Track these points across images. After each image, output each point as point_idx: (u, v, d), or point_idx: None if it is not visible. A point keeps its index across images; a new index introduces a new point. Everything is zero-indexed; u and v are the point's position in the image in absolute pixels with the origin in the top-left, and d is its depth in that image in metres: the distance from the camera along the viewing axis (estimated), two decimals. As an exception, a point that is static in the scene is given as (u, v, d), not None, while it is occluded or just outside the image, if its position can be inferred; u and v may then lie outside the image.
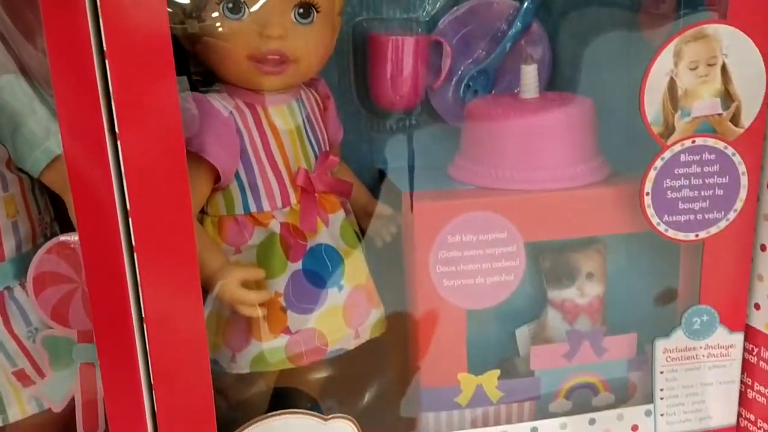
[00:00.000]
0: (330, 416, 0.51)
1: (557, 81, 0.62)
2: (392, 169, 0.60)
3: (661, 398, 0.55)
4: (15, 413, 0.51)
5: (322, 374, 0.57)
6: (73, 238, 0.48)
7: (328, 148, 0.55)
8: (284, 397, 0.56)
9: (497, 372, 0.55)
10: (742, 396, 0.57)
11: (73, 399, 0.49)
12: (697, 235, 0.53)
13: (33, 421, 0.52)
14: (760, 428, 0.56)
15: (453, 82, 0.62)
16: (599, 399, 0.57)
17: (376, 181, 0.62)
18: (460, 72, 0.62)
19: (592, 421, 0.55)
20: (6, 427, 0.52)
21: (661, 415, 0.56)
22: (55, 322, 0.49)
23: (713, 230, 0.53)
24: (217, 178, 0.49)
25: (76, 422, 0.50)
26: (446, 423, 0.54)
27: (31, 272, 0.49)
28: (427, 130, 0.63)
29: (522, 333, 0.58)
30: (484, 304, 0.53)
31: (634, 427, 0.56)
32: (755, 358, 0.55)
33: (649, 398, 0.56)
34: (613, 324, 0.57)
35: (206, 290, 0.50)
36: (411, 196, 0.54)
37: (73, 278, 0.49)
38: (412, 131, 0.63)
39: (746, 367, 0.56)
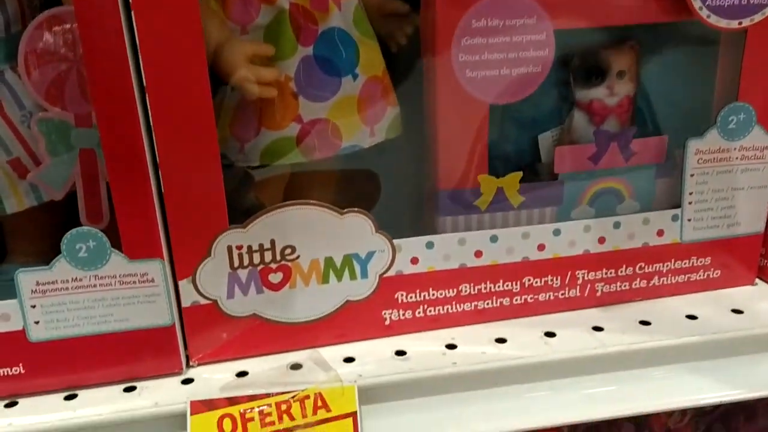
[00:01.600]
0: (346, 210, 0.49)
1: None
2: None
3: (690, 203, 0.53)
4: (12, 204, 0.48)
5: (334, 179, 0.55)
6: (65, 10, 0.44)
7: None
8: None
9: (519, 174, 0.52)
10: (773, 202, 0.55)
11: (73, 187, 0.47)
12: (740, 23, 0.49)
13: (33, 216, 0.50)
14: (789, 234, 0.54)
15: None
16: (623, 206, 0.54)
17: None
18: None
19: (616, 225, 0.53)
20: (4, 219, 0.50)
21: (689, 220, 0.54)
22: (50, 104, 0.45)
23: (758, 17, 0.49)
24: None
25: (78, 215, 0.48)
26: (464, 227, 0.52)
27: (21, 49, 0.45)
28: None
29: (545, 139, 0.55)
30: (509, 98, 0.50)
31: (660, 232, 0.54)
32: (790, 161, 0.53)
33: (674, 206, 0.54)
34: (642, 126, 0.54)
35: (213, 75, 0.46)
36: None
37: (67, 57, 0.45)
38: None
39: (780, 171, 0.54)
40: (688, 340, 0.50)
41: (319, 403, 0.47)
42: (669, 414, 0.85)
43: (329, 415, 0.47)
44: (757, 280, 0.57)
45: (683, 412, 0.86)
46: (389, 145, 0.53)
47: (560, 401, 0.50)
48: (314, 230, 0.48)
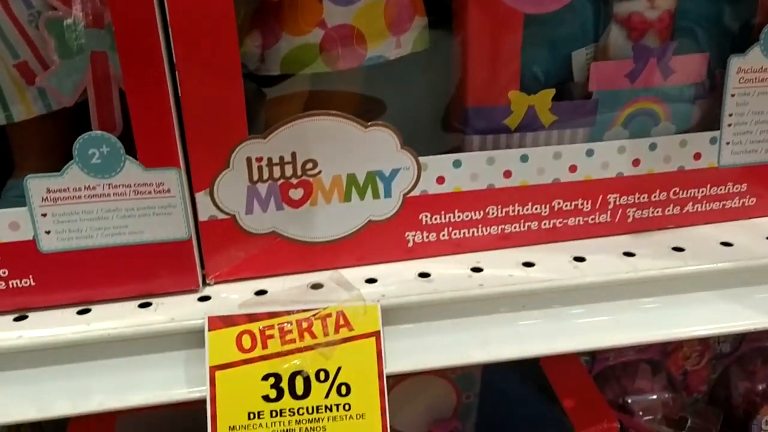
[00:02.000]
0: (371, 124, 0.46)
1: None
2: None
3: (729, 125, 0.51)
4: (19, 112, 0.46)
5: (353, 104, 0.53)
6: None
7: None
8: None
9: (552, 91, 0.49)
10: (816, 126, 0.52)
11: (84, 94, 0.45)
12: (794, -71, 0.46)
13: (41, 127, 0.47)
14: (832, 160, 0.52)
15: None
16: (659, 129, 0.52)
17: None
18: None
19: (652, 147, 0.50)
20: (12, 132, 0.48)
21: (727, 143, 0.51)
22: (60, 2, 0.43)
23: None
24: None
25: (90, 126, 0.46)
26: (492, 146, 0.50)
27: (27, -59, 0.42)
28: None
29: (579, 56, 0.52)
30: (545, 6, 0.47)
31: (696, 156, 0.51)
32: (838, 81, 0.50)
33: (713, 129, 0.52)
34: (683, 43, 0.51)
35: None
36: None
37: (77, -49, 0.43)
38: None
39: (826, 92, 0.51)
40: (724, 266, 0.48)
41: (341, 322, 0.45)
42: (686, 356, 0.84)
43: (351, 334, 0.45)
44: (792, 210, 0.55)
45: (701, 354, 0.85)
46: (416, 59, 0.50)
47: (589, 326, 0.48)
48: (337, 144, 0.46)
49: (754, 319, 0.49)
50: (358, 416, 0.45)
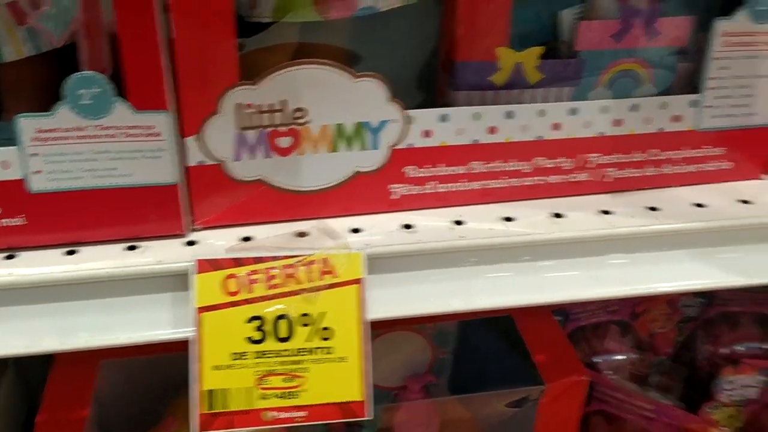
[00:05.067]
0: (361, 74, 0.47)
1: None
2: None
3: (711, 88, 0.52)
4: (10, 52, 0.45)
5: (342, 54, 0.53)
6: None
7: None
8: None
9: (540, 49, 0.50)
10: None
11: (73, 36, 0.44)
12: None
13: (31, 70, 0.47)
14: (805, 127, 0.53)
15: None
16: (642, 90, 0.53)
17: None
18: None
19: (634, 108, 0.51)
20: (2, 68, 0.47)
21: (707, 107, 0.53)
22: (50, -61, 0.42)
23: None
24: None
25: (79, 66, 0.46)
26: (479, 102, 0.51)
27: None
28: None
29: (567, 15, 0.53)
30: (535, -36, 0.48)
31: (676, 118, 0.53)
32: (816, 50, 0.52)
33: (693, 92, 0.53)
34: (669, 5, 0.52)
35: None
36: None
37: None
38: None
39: (804, 60, 0.53)
40: (695, 225, 0.50)
41: (326, 269, 0.46)
42: (655, 319, 0.87)
43: (335, 280, 0.46)
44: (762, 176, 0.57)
45: (669, 317, 0.87)
46: (405, 12, 0.51)
47: (565, 279, 0.50)
48: (327, 93, 0.46)
49: (718, 278, 0.51)
50: (340, 359, 0.46)
